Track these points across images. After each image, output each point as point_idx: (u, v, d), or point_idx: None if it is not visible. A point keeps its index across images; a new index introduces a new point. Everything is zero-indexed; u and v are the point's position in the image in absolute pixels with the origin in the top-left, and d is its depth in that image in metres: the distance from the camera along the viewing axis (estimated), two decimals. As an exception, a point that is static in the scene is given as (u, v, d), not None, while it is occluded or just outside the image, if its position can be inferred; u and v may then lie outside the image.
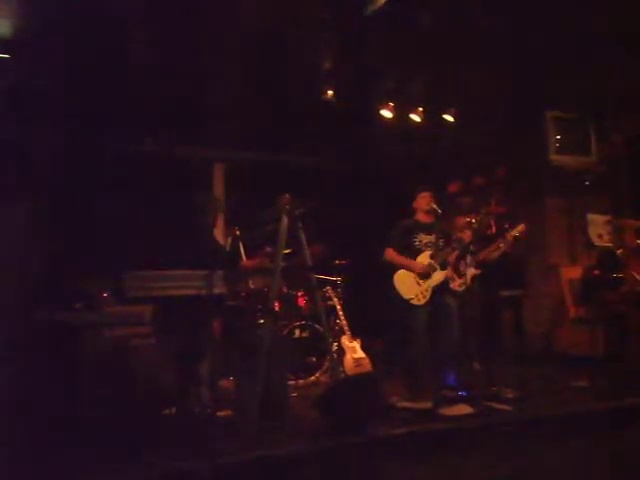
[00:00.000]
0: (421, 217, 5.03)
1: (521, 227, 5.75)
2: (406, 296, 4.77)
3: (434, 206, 4.99)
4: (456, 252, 4.97)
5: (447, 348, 4.72)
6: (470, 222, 4.96)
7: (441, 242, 4.95)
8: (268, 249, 4.78)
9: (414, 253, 4.90)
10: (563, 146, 6.76)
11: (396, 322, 5.07)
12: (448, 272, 5.16)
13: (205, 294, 3.69)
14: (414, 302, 4.75)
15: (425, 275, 4.81)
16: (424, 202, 4.98)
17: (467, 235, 4.87)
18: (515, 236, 5.75)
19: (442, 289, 4.86)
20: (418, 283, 4.80)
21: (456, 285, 5.63)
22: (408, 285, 4.81)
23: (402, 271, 4.87)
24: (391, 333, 5.89)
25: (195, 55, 5.27)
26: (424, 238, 4.94)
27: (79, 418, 3.74)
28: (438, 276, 4.83)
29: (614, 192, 6.94)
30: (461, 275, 5.62)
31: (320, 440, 3.64)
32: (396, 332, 5.23)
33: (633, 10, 4.76)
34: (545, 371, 5.73)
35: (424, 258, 4.87)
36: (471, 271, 5.64)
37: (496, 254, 5.86)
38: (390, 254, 4.93)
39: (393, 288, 4.85)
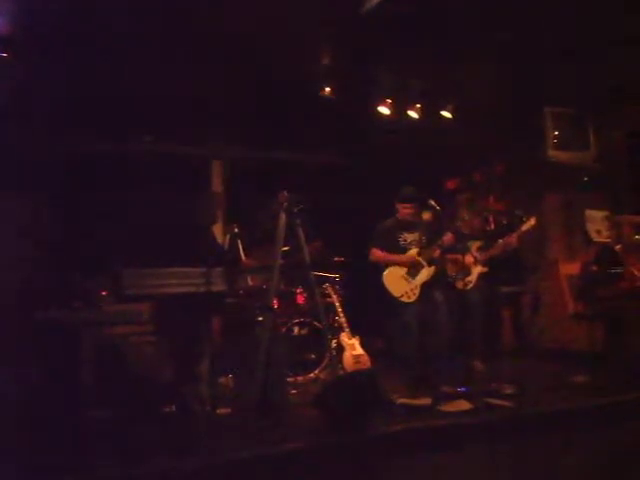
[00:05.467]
0: (402, 217, 5.09)
1: (532, 221, 5.70)
2: (396, 294, 4.84)
3: (432, 203, 5.02)
4: (437, 250, 5.01)
5: (437, 344, 4.76)
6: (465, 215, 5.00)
7: (424, 239, 5.01)
8: (265, 247, 4.79)
9: (399, 252, 4.97)
10: (561, 142, 6.76)
11: (392, 319, 5.10)
12: (452, 270, 5.18)
13: (204, 292, 3.69)
14: (404, 299, 4.81)
15: (413, 272, 4.86)
16: (405, 212, 5.06)
17: (448, 238, 4.92)
18: (525, 231, 5.71)
19: (430, 285, 4.91)
20: (407, 280, 4.86)
21: (460, 284, 5.60)
22: (397, 283, 4.87)
23: (390, 269, 4.93)
24: (390, 330, 5.90)
25: (194, 53, 5.26)
26: (408, 236, 5.02)
27: (79, 417, 3.74)
28: (426, 273, 4.89)
29: (612, 188, 6.94)
30: (467, 274, 5.59)
31: (319, 437, 3.64)
32: (394, 329, 5.25)
33: (632, 7, 4.76)
34: (544, 367, 5.73)
35: (411, 254, 4.93)
36: (477, 269, 5.63)
37: (506, 250, 5.79)
38: (377, 254, 4.99)
39: (383, 287, 4.90)
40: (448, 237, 4.97)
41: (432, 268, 4.95)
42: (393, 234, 5.04)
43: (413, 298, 4.83)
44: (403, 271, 4.91)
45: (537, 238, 6.80)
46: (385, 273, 4.94)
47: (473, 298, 5.49)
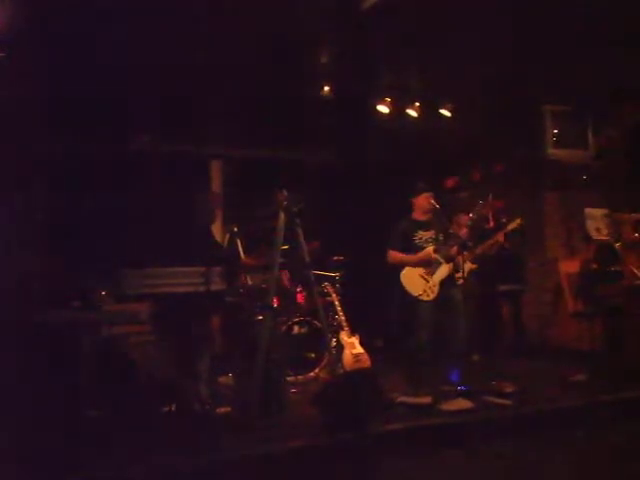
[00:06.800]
0: (418, 215, 5.06)
1: (518, 221, 5.81)
2: (415, 293, 4.79)
3: (434, 206, 5.00)
4: (455, 247, 4.98)
5: (454, 342, 4.74)
6: (471, 218, 4.98)
7: (441, 237, 4.97)
8: (264, 247, 4.79)
9: (416, 250, 4.92)
10: (561, 140, 6.76)
11: (398, 318, 5.08)
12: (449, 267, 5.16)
13: (203, 291, 3.69)
14: (423, 298, 4.77)
15: (431, 270, 4.83)
16: (425, 202, 5.00)
17: (463, 232, 4.90)
18: (511, 230, 5.82)
19: (448, 283, 4.88)
20: (425, 279, 4.83)
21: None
22: (416, 282, 4.83)
23: (408, 269, 4.89)
24: (392, 329, 5.90)
25: (193, 53, 5.26)
26: (423, 235, 4.97)
27: (79, 417, 3.74)
28: (444, 270, 4.85)
29: (612, 186, 6.94)
30: (459, 270, 5.62)
31: (319, 436, 3.64)
32: (397, 328, 5.24)
33: (632, 6, 4.76)
34: (544, 365, 5.74)
35: (428, 252, 4.89)
36: (468, 266, 5.66)
37: (494, 249, 5.93)
38: (394, 255, 4.95)
39: (401, 286, 4.86)
40: (464, 232, 4.94)
41: (450, 265, 4.90)
42: (408, 234, 5.00)
43: (432, 296, 4.78)
44: (421, 270, 4.87)
45: (537, 236, 6.82)
46: (403, 272, 4.89)
47: (464, 294, 5.50)
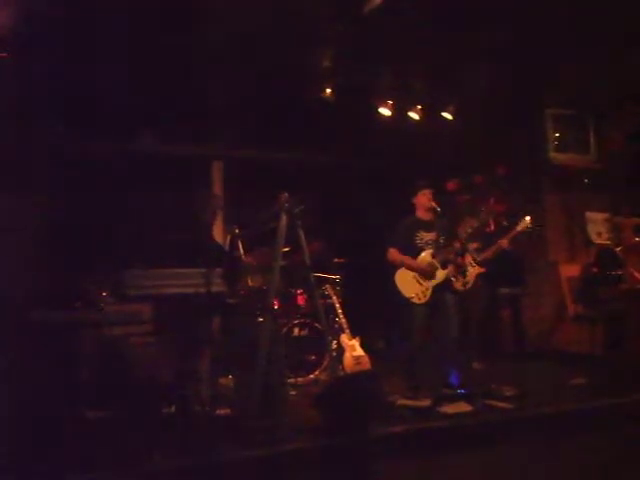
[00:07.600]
0: (421, 214, 5.03)
1: (528, 220, 5.72)
2: (407, 295, 4.79)
3: (433, 204, 4.98)
4: (455, 251, 4.97)
5: (446, 346, 4.74)
6: (472, 225, 4.96)
7: (442, 240, 4.95)
8: (265, 248, 4.79)
9: (416, 251, 4.90)
10: (562, 144, 6.76)
11: (396, 320, 5.08)
12: (452, 271, 5.14)
13: (204, 292, 3.69)
14: (414, 300, 4.77)
15: (426, 274, 4.82)
16: (425, 199, 4.97)
17: (463, 237, 4.89)
18: (521, 231, 5.73)
19: (442, 287, 4.87)
20: (419, 282, 4.81)
21: (459, 285, 5.61)
22: (409, 284, 4.82)
23: (403, 269, 4.88)
24: (391, 331, 5.90)
25: (194, 52, 5.26)
26: (425, 236, 4.94)
27: (79, 417, 3.73)
28: (439, 275, 4.83)
29: (613, 190, 6.95)
30: (465, 274, 5.59)
31: (319, 438, 3.64)
32: (396, 330, 5.24)
33: (632, 7, 4.77)
34: (544, 369, 5.73)
35: (426, 256, 4.87)
36: (475, 269, 5.63)
37: (496, 252, 5.89)
38: (393, 254, 4.93)
39: (394, 286, 4.86)
40: (463, 237, 4.93)
41: (446, 271, 4.88)
42: (410, 232, 4.97)
43: (424, 300, 4.78)
44: (416, 272, 4.87)
45: (538, 240, 6.82)
46: (397, 273, 4.89)
47: (469, 298, 5.49)
